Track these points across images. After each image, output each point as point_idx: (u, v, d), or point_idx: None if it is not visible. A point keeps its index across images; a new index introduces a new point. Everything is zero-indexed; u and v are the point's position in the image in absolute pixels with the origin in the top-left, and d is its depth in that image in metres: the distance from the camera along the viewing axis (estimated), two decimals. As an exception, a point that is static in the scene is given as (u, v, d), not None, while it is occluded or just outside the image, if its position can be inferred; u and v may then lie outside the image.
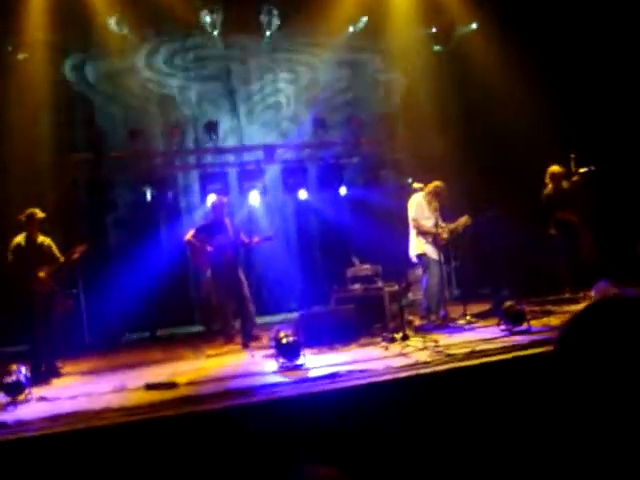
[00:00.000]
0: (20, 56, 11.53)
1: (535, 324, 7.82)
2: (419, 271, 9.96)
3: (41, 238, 8.52)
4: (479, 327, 8.56)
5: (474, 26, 13.09)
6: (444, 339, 7.73)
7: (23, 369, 6.98)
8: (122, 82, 12.53)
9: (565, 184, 10.06)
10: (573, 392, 1.39)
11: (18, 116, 11.10)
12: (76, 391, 6.93)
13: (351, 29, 13.05)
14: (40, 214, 8.46)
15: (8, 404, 6.48)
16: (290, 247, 13.12)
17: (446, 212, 9.48)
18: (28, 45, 11.49)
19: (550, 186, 10.20)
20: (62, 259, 8.57)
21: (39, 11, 11.20)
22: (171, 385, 6.64)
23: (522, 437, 5.12)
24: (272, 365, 7.07)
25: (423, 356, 6.71)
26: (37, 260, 8.33)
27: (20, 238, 8.41)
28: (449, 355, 6.56)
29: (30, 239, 8.42)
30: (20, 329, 8.48)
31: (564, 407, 1.42)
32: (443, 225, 9.22)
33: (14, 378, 6.80)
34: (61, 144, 11.82)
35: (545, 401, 1.49)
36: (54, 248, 8.59)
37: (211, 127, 12.56)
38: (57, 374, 8.26)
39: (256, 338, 9.30)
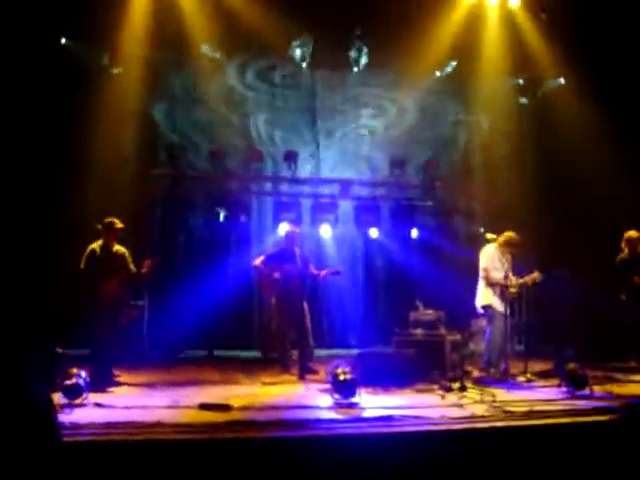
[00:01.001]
0: (115, 70, 11.88)
1: (597, 390, 7.61)
2: (482, 322, 9.83)
3: (117, 247, 8.71)
4: (539, 386, 8.38)
5: (562, 81, 13.00)
6: (502, 394, 7.58)
7: (83, 373, 7.12)
8: (208, 103, 12.78)
9: (641, 250, 9.89)
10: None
11: (105, 128, 11.40)
12: (131, 402, 7.02)
13: (438, 73, 13.08)
14: (119, 224, 8.67)
15: (65, 406, 6.61)
16: (355, 283, 13.11)
17: (517, 265, 9.35)
18: (123, 59, 11.84)
19: (626, 251, 10.04)
20: (133, 270, 8.74)
21: (139, 27, 11.57)
22: (225, 407, 6.68)
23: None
24: (327, 400, 7.04)
25: (480, 409, 6.59)
26: (110, 268, 8.50)
27: (96, 245, 8.61)
28: (506, 412, 6.43)
29: (106, 247, 8.62)
30: (84, 334, 8.64)
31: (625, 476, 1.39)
32: (513, 278, 9.08)
33: (74, 381, 6.94)
34: (142, 159, 12.13)
35: (606, 469, 1.46)
36: (128, 258, 8.77)
37: (290, 157, 12.73)
38: (113, 382, 8.38)
39: (313, 371, 9.28)
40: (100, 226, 8.65)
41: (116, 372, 8.71)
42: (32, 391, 1.23)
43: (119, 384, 8.42)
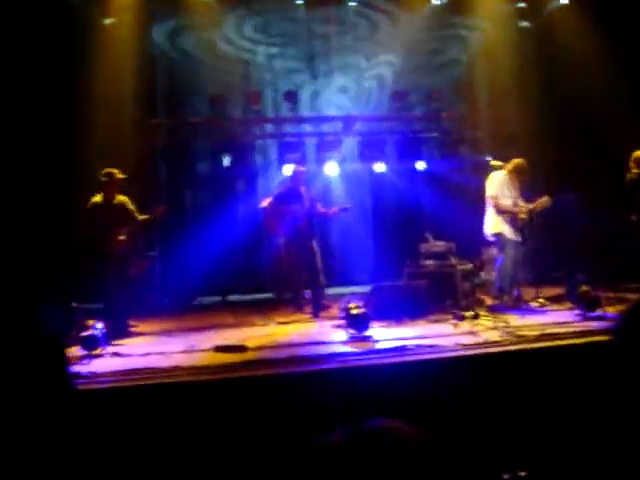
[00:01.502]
0: (107, 21, 11.72)
1: (610, 311, 7.63)
2: (493, 250, 9.82)
3: (119, 198, 8.61)
4: (552, 310, 8.42)
5: (564, 2, 12.70)
6: (515, 320, 7.64)
7: (99, 325, 7.19)
8: (204, 48, 12.60)
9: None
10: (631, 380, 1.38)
11: (101, 81, 11.28)
12: (148, 349, 7.10)
13: (436, 1, 12.82)
14: (119, 175, 8.56)
15: (83, 357, 6.69)
16: (364, 220, 13.06)
17: (525, 191, 9.30)
18: (116, 10, 11.66)
19: (634, 171, 9.92)
20: (140, 219, 8.67)
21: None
22: (240, 348, 6.75)
23: (588, 422, 5.04)
24: (341, 335, 7.11)
25: (493, 335, 6.64)
26: (115, 220, 8.42)
27: (98, 198, 8.52)
28: (520, 336, 6.47)
29: (108, 199, 8.52)
30: (96, 288, 8.68)
31: (623, 394, 1.40)
32: (522, 205, 9.03)
33: (90, 332, 7.02)
34: (141, 109, 12.02)
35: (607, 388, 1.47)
36: (131, 208, 8.67)
37: (291, 96, 12.59)
38: (129, 333, 8.45)
39: (325, 308, 9.35)
40: (101, 178, 8.58)
41: (132, 323, 8.78)
42: (45, 333, 1.23)
43: (135, 334, 8.49)
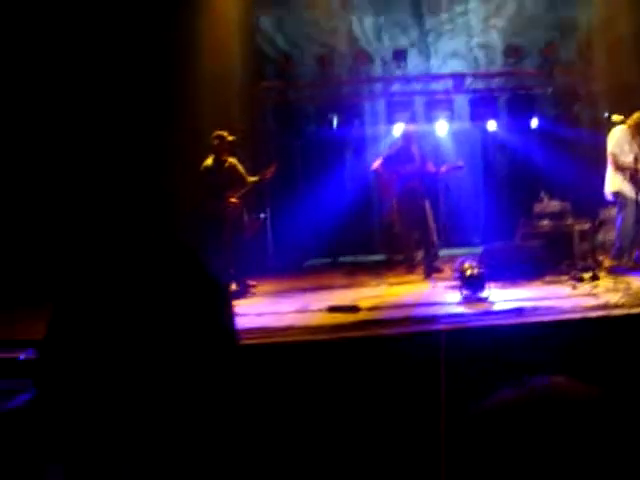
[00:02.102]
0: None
1: None
2: (612, 210, 9.47)
3: (230, 160, 8.69)
4: (677, 273, 8.06)
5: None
6: (637, 282, 7.34)
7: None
8: (313, 9, 12.55)
9: None
10: None
11: (208, 47, 11.39)
12: (263, 309, 7.23)
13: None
14: (230, 137, 8.65)
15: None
16: (476, 179, 12.83)
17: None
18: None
19: None
20: (251, 180, 8.75)
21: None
22: (353, 309, 6.77)
23: None
24: (455, 296, 7.03)
25: (614, 298, 6.41)
26: (227, 182, 8.52)
27: (209, 161, 8.62)
28: (643, 298, 6.24)
29: (219, 161, 8.61)
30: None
31: None
32: (643, 162, 8.63)
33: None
34: (250, 73, 12.12)
35: None
36: (242, 169, 8.74)
37: (399, 55, 12.40)
38: (249, 293, 8.59)
39: (438, 270, 9.25)
40: (212, 140, 8.70)
41: (252, 282, 8.92)
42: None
43: (254, 294, 8.62)
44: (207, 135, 8.91)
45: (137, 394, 1.04)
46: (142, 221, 8.97)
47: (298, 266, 11.36)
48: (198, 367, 1.11)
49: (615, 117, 8.79)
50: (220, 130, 8.76)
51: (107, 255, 1.15)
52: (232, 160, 8.74)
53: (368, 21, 12.95)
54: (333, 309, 6.82)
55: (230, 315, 1.23)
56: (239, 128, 9.43)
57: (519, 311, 5.98)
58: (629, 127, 8.67)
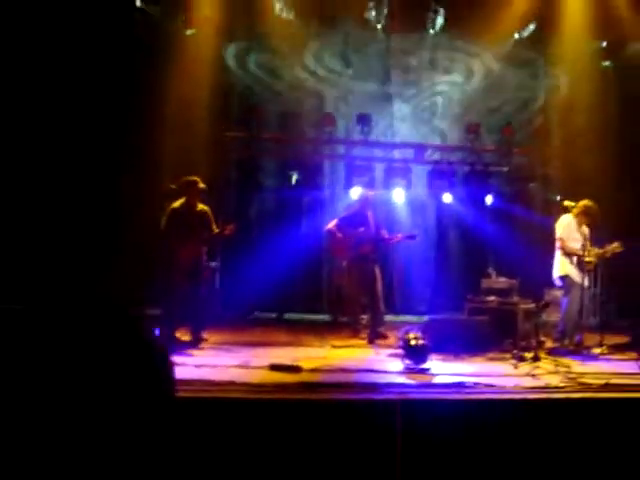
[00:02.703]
0: (188, 32, 11.93)
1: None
2: (556, 292, 9.65)
3: (201, 206, 8.67)
4: (615, 359, 8.18)
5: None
6: (577, 366, 7.43)
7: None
8: (281, 65, 12.73)
9: None
10: None
11: (179, 91, 11.47)
12: (202, 361, 7.12)
13: (517, 36, 12.74)
14: (202, 184, 8.63)
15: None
16: (427, 249, 12.98)
17: (595, 235, 9.11)
18: (197, 22, 11.86)
19: None
20: (215, 231, 8.70)
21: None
22: (295, 369, 6.71)
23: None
24: (397, 365, 7.03)
25: (554, 380, 6.46)
26: (192, 228, 8.48)
27: (177, 204, 8.57)
28: (583, 384, 6.29)
29: (189, 206, 8.57)
30: (157, 293, 8.74)
31: None
32: (591, 249, 8.84)
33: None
34: (217, 121, 12.18)
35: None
36: (212, 218, 8.72)
37: (363, 120, 12.58)
38: (200, 345, 8.44)
39: (383, 336, 9.26)
40: (174, 186, 8.67)
41: (205, 335, 8.78)
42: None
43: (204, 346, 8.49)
44: (168, 181, 8.90)
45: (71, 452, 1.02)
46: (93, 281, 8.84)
47: (243, 318, 11.27)
48: (133, 425, 1.09)
49: (567, 202, 9.02)
50: (184, 177, 8.74)
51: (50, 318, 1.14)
52: (204, 207, 8.72)
53: (335, 83, 13.15)
54: (275, 367, 6.75)
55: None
56: (202, 175, 9.40)
57: (460, 386, 5.98)
58: (577, 215, 8.91)
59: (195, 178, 8.65)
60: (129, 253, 10.27)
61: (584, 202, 9.00)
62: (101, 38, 11.01)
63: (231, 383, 5.93)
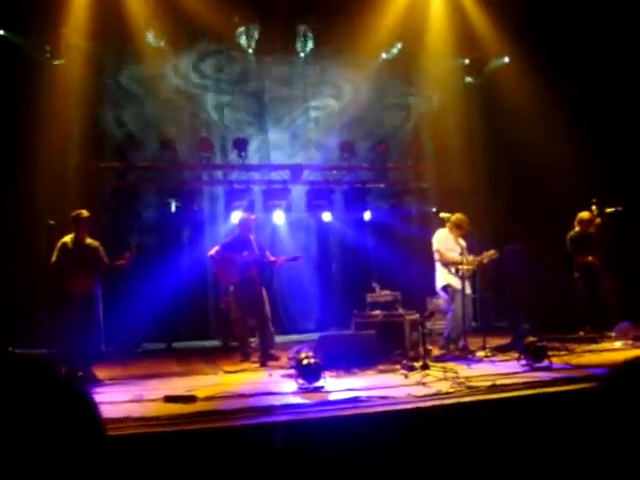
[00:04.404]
0: (56, 62, 11.67)
1: (556, 361, 7.79)
2: (439, 301, 9.98)
3: (89, 240, 8.50)
4: (498, 361, 8.50)
5: (506, 60, 13.16)
6: (464, 370, 7.68)
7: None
8: (154, 92, 12.60)
9: (592, 229, 10.21)
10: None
11: (50, 121, 11.19)
12: (95, 398, 6.89)
13: (384, 55, 13.15)
14: (85, 214, 8.46)
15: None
16: (310, 268, 13.12)
17: (473, 243, 9.50)
18: (65, 50, 11.62)
19: (577, 229, 10.33)
20: (107, 263, 8.54)
21: (78, 18, 11.42)
22: (190, 399, 6.62)
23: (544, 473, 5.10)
24: (291, 385, 7.05)
25: (444, 386, 6.65)
26: (82, 262, 8.28)
27: (67, 239, 8.39)
28: (470, 387, 6.52)
29: (78, 240, 8.40)
30: (46, 331, 8.47)
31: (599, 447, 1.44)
32: (468, 257, 9.23)
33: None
34: (90, 151, 11.94)
35: (579, 438, 1.50)
36: (101, 251, 8.56)
37: (240, 144, 12.64)
38: (95, 381, 8.17)
39: (274, 357, 9.28)
40: (52, 222, 8.45)
41: (95, 372, 8.52)
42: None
43: (99, 382, 8.21)
44: (44, 218, 8.64)
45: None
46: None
47: (131, 351, 11.04)
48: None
49: (442, 214, 9.38)
50: (55, 211, 8.53)
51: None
52: (92, 241, 8.55)
53: (210, 109, 13.15)
54: (170, 399, 6.65)
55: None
56: (74, 208, 9.15)
57: (354, 401, 6.07)
58: (450, 227, 9.30)
59: (80, 211, 8.48)
60: (8, 290, 9.91)
61: (456, 216, 9.41)
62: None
63: (126, 419, 5.79)
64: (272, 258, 9.75)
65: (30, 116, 10.93)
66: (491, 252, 9.39)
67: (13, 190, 10.62)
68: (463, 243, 9.31)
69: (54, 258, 8.30)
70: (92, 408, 1.18)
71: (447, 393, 6.29)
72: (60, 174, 11.15)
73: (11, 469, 1.04)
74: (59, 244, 8.35)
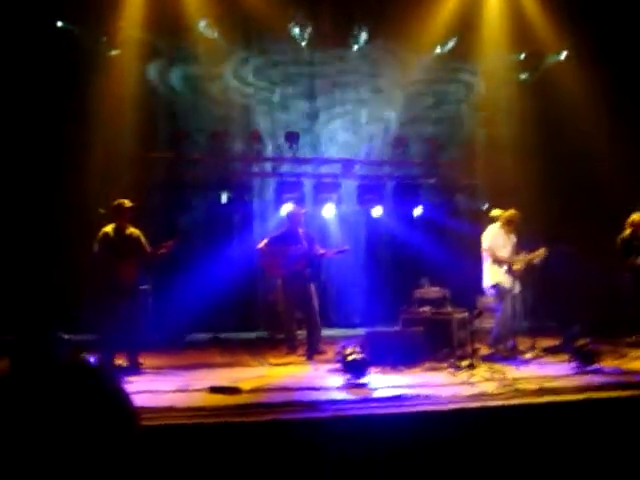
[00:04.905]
0: (112, 52, 11.81)
1: (607, 365, 7.62)
2: (488, 298, 9.83)
3: (131, 229, 8.53)
4: (547, 362, 8.37)
5: (563, 56, 12.91)
6: (511, 371, 7.58)
7: (92, 359, 7.08)
8: (205, 87, 12.67)
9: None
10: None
11: (103, 112, 11.33)
12: (141, 387, 6.96)
13: (439, 50, 13.01)
14: (128, 204, 8.48)
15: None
16: (359, 262, 13.07)
17: (523, 242, 9.34)
18: (121, 42, 11.76)
19: (628, 231, 10.09)
20: (150, 251, 8.59)
21: (134, 9, 11.55)
22: (235, 390, 6.65)
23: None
24: (336, 380, 7.04)
25: (490, 387, 6.57)
26: (125, 251, 8.33)
27: (109, 228, 8.41)
28: (517, 389, 6.42)
29: (119, 230, 8.43)
30: (92, 318, 8.58)
31: None
32: (519, 255, 9.08)
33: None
34: (142, 142, 12.05)
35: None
36: (143, 240, 8.59)
37: (291, 137, 12.63)
38: (139, 370, 8.30)
39: (320, 351, 9.27)
40: (103, 210, 8.53)
41: (141, 360, 8.63)
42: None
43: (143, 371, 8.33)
44: (96, 206, 8.72)
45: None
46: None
47: (178, 341, 11.11)
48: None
49: (493, 212, 9.25)
50: (107, 201, 8.59)
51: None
52: (134, 230, 8.58)
53: (262, 101, 13.16)
54: (215, 390, 6.69)
55: (132, 427, 1.21)
56: (126, 197, 9.24)
57: (399, 399, 6.04)
58: (502, 224, 9.15)
59: (122, 201, 8.51)
60: (61, 276, 10.10)
61: (509, 212, 9.25)
62: (22, 61, 10.82)
63: (171, 409, 5.84)
64: (321, 250, 9.72)
65: (85, 105, 11.08)
66: (541, 251, 9.21)
67: (68, 178, 10.79)
68: (514, 239, 9.18)
69: (97, 248, 8.36)
70: (123, 401, 1.17)
71: (493, 394, 6.22)
72: (113, 164, 11.27)
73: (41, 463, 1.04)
74: (100, 234, 8.37)
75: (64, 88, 11.01)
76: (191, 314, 11.16)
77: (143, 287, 10.82)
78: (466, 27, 12.48)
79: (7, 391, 1.14)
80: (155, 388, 6.90)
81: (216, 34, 12.07)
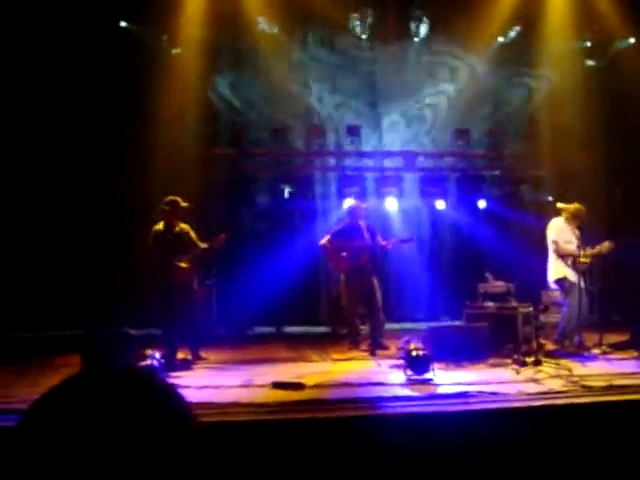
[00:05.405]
0: (173, 51, 11.98)
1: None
2: (553, 293, 9.65)
3: (181, 225, 8.59)
4: (616, 359, 8.17)
5: (631, 41, 12.58)
6: (578, 368, 7.41)
7: (157, 354, 7.20)
8: (267, 80, 12.72)
9: None
10: None
11: (165, 109, 11.49)
12: (205, 382, 7.04)
13: (501, 39, 12.82)
14: (183, 203, 8.57)
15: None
16: (422, 256, 12.98)
17: (587, 235, 9.14)
18: (182, 40, 11.92)
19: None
20: (202, 247, 8.65)
21: (195, 7, 11.69)
22: (298, 386, 6.68)
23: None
24: (399, 376, 7.00)
25: (556, 384, 6.46)
26: (177, 248, 8.42)
27: (159, 226, 8.51)
28: (585, 387, 6.29)
29: (169, 227, 8.51)
30: (153, 314, 8.72)
31: None
32: (585, 249, 8.88)
33: (148, 362, 7.00)
34: (204, 138, 12.19)
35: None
36: (194, 235, 8.65)
37: (353, 131, 12.63)
38: (200, 363, 8.44)
39: (384, 346, 9.24)
40: (164, 205, 8.63)
41: (204, 354, 8.79)
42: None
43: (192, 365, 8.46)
44: (158, 202, 8.84)
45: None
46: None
47: (241, 335, 11.24)
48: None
49: (559, 204, 9.07)
50: (171, 197, 8.69)
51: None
52: (184, 226, 8.64)
53: (324, 96, 13.18)
54: (278, 385, 6.73)
55: (190, 434, 1.23)
56: (190, 194, 9.36)
57: (464, 396, 5.98)
58: (567, 217, 8.96)
59: (175, 198, 8.59)
60: (126, 273, 10.31)
61: (574, 205, 9.05)
62: (85, 60, 11.06)
63: (235, 404, 5.90)
64: (383, 242, 9.67)
65: (147, 104, 11.25)
66: (607, 244, 8.98)
67: (131, 175, 10.98)
68: (578, 234, 8.98)
69: (150, 245, 8.46)
70: (180, 408, 1.19)
71: (560, 392, 6.10)
72: (175, 162, 11.43)
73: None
74: (152, 232, 8.47)
75: (126, 88, 11.21)
76: (254, 308, 11.28)
77: (207, 282, 11.02)
78: (529, 15, 12.26)
79: (82, 391, 1.17)
80: (219, 383, 6.97)
81: (276, 30, 12.13)
